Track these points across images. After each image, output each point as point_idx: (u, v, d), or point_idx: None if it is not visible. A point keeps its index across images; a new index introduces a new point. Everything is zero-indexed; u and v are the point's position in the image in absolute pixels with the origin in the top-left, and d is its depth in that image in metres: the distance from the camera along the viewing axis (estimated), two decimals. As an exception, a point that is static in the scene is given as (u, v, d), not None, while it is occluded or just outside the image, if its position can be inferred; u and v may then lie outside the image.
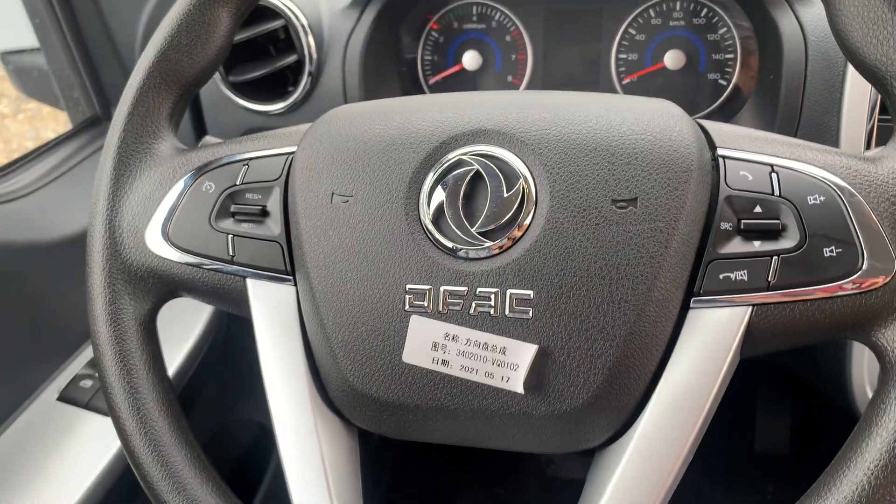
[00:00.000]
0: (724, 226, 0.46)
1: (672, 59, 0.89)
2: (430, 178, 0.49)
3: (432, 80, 0.97)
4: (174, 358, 0.92)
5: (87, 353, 0.94)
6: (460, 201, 0.48)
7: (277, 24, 0.87)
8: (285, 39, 0.89)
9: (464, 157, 0.49)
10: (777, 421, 1.27)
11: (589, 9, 0.91)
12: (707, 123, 0.51)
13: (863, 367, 0.76)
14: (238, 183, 0.55)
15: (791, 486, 1.22)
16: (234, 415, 1.14)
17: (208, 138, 0.63)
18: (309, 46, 0.88)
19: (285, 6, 0.87)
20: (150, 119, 0.56)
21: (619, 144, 0.47)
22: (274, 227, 0.53)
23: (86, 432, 0.81)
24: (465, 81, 0.96)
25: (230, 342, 1.07)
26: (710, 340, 0.46)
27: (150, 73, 0.56)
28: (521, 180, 0.48)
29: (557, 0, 0.91)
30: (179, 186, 0.55)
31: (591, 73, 0.92)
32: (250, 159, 0.56)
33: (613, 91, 0.92)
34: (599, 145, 0.48)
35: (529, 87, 0.94)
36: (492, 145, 0.49)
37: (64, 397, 0.85)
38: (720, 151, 0.48)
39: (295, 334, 0.53)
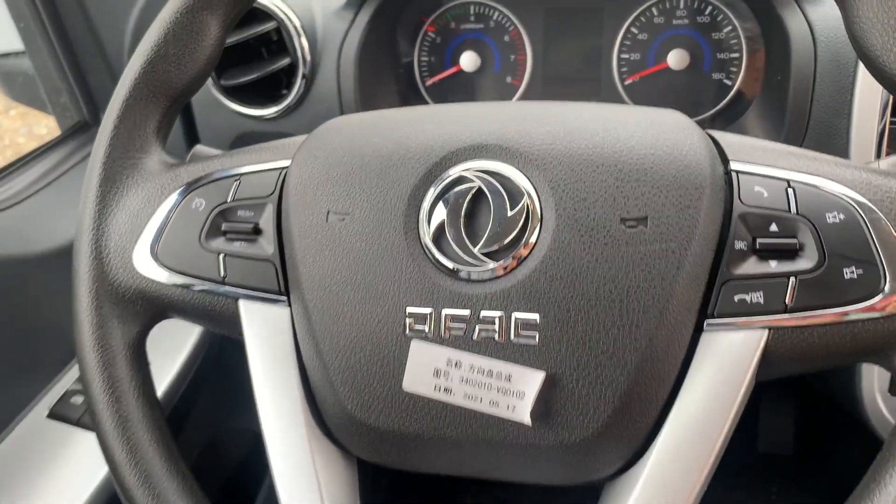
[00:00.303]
0: (739, 245, 0.44)
1: (675, 58, 0.86)
2: (430, 196, 0.47)
3: (429, 82, 0.95)
4: (168, 369, 0.90)
5: (77, 368, 0.91)
6: (462, 220, 0.46)
7: (270, 26, 0.85)
8: (278, 42, 0.87)
9: (465, 174, 0.47)
10: (781, 421, 1.26)
11: (590, 7, 0.89)
12: (718, 135, 0.49)
13: (873, 376, 0.74)
14: (229, 200, 0.52)
15: (795, 486, 1.21)
16: (229, 425, 1.12)
17: (199, 148, 0.60)
18: (302, 49, 0.86)
19: (277, 8, 0.85)
20: (136, 133, 0.54)
21: (627, 159, 0.45)
22: (267, 245, 0.51)
23: (77, 451, 0.79)
24: (463, 83, 0.94)
25: (224, 351, 1.05)
26: (724, 365, 0.44)
27: (136, 84, 0.53)
28: (525, 197, 0.45)
29: None
30: (168, 203, 0.53)
31: (592, 74, 0.90)
32: (242, 174, 0.53)
33: (615, 92, 0.90)
34: (607, 160, 0.45)
35: (529, 87, 0.92)
36: (494, 161, 0.47)
37: (54, 414, 0.83)
38: (733, 166, 0.46)
39: (289, 358, 0.50)
